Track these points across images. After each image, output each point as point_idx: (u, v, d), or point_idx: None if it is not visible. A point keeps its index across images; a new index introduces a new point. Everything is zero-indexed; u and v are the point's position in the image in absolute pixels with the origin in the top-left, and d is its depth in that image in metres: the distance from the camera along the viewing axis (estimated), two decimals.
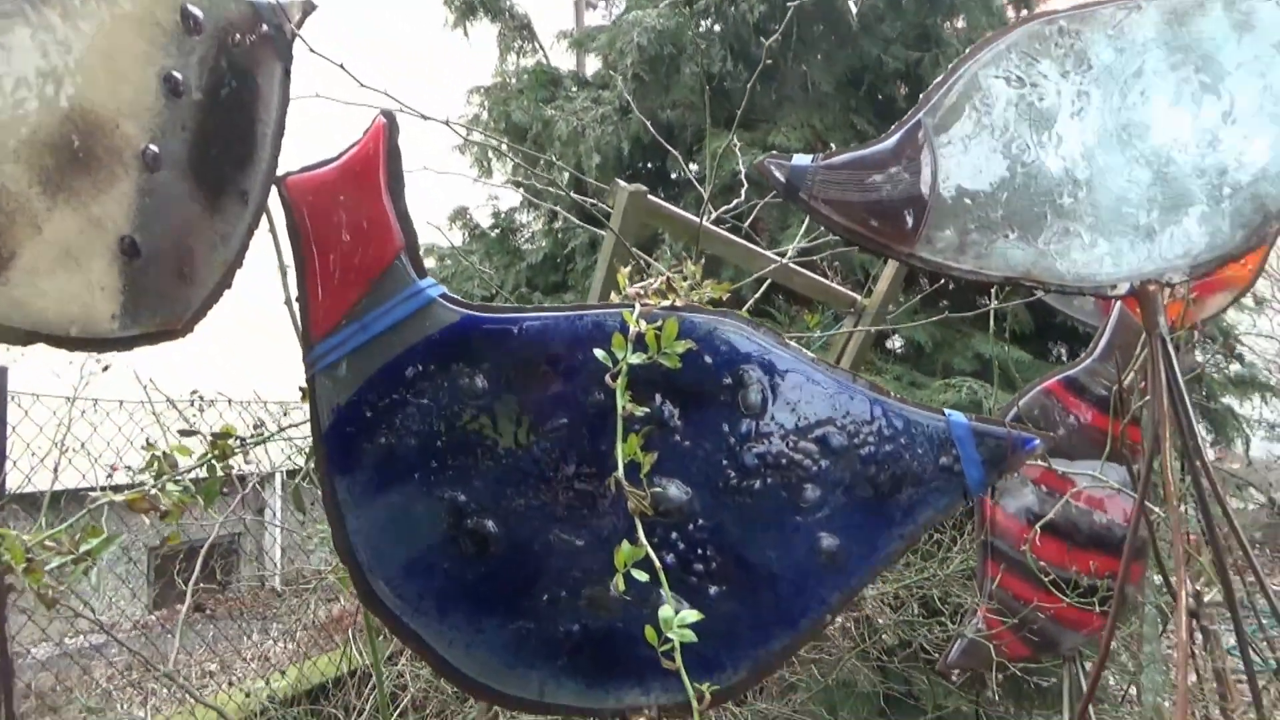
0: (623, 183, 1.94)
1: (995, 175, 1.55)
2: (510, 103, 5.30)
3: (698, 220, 2.07)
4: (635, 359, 1.27)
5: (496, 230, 5.87)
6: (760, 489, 1.37)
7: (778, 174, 1.59)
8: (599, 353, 1.28)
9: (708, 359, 1.37)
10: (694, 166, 3.87)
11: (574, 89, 5.24)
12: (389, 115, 1.42)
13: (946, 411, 1.40)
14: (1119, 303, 2.55)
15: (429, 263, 5.66)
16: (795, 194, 1.58)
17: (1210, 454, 4.81)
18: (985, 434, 1.39)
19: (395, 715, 3.08)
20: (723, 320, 1.39)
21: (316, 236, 1.38)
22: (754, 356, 1.38)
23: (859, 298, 2.54)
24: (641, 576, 1.19)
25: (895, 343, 4.12)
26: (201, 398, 4.08)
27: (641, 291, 1.38)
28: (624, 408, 1.23)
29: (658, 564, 1.17)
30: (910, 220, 1.56)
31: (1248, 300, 6.37)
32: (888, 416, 1.39)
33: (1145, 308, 1.54)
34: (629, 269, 1.50)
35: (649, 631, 1.11)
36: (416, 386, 1.35)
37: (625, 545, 1.16)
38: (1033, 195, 1.54)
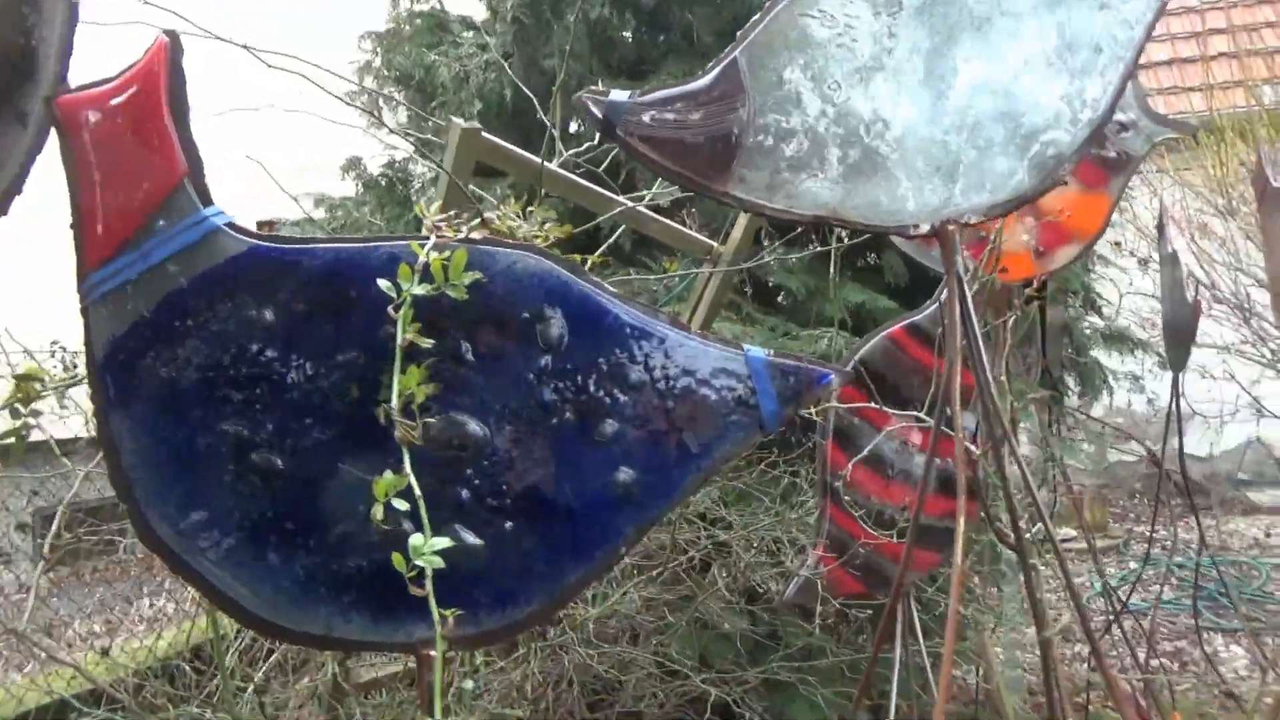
0: (458, 120, 1.89)
1: (807, 113, 1.56)
2: (400, 49, 5.14)
3: (539, 161, 2.03)
4: (420, 290, 1.25)
5: (386, 180, 5.72)
6: (557, 423, 1.37)
7: (595, 110, 1.57)
8: (383, 283, 1.25)
9: (507, 293, 1.36)
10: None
11: (463, 34, 5.11)
12: (172, 34, 1.35)
13: (744, 347, 1.42)
14: (960, 254, 2.62)
15: (318, 214, 5.49)
16: (612, 131, 1.57)
17: (1075, 402, 5.02)
18: (781, 369, 1.41)
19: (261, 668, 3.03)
20: (524, 255, 1.38)
21: (93, 159, 1.31)
22: (555, 292, 1.37)
23: (715, 244, 2.56)
24: (401, 507, 1.18)
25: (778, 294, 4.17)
26: (64, 349, 3.89)
27: (442, 225, 1.35)
28: (404, 339, 1.21)
29: (418, 494, 1.16)
30: (723, 158, 1.56)
31: (1124, 258, 6.61)
32: (687, 351, 1.40)
33: (944, 247, 1.58)
34: (435, 206, 1.47)
35: (396, 559, 1.11)
36: (199, 318, 1.31)
37: (387, 475, 1.14)
38: (842, 134, 1.56)
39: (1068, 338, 5.09)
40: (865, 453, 2.14)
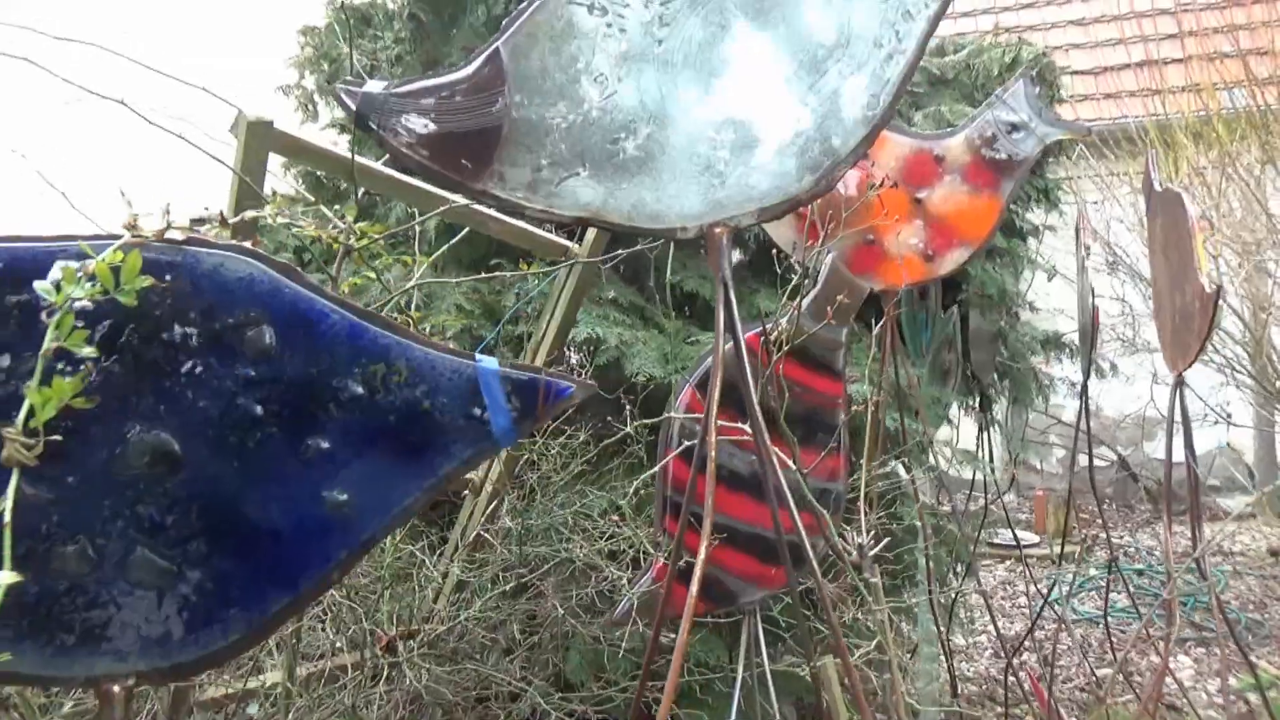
0: (246, 112, 1.79)
1: (570, 108, 1.47)
2: (329, 43, 5.04)
3: (350, 157, 1.93)
4: (82, 294, 1.14)
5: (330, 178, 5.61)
6: (262, 439, 1.27)
7: (349, 101, 1.47)
8: (40, 285, 1.15)
9: (212, 297, 1.26)
10: None
11: (385, 29, 5.01)
12: None
13: (477, 356, 1.32)
14: (831, 253, 2.52)
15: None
16: (366, 124, 1.47)
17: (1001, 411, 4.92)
18: (515, 381, 1.31)
19: None
20: (232, 256, 1.28)
21: None
22: (265, 296, 1.27)
23: (571, 245, 2.46)
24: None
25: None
26: None
27: (135, 221, 1.25)
28: (50, 348, 1.11)
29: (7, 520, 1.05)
30: (482, 154, 1.46)
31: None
32: (411, 361, 1.30)
33: (711, 251, 1.48)
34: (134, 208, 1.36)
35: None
36: None
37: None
38: (607, 130, 1.46)
39: (1002, 343, 5.00)
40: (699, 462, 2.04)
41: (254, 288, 1.27)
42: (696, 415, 2.23)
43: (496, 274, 2.36)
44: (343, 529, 1.28)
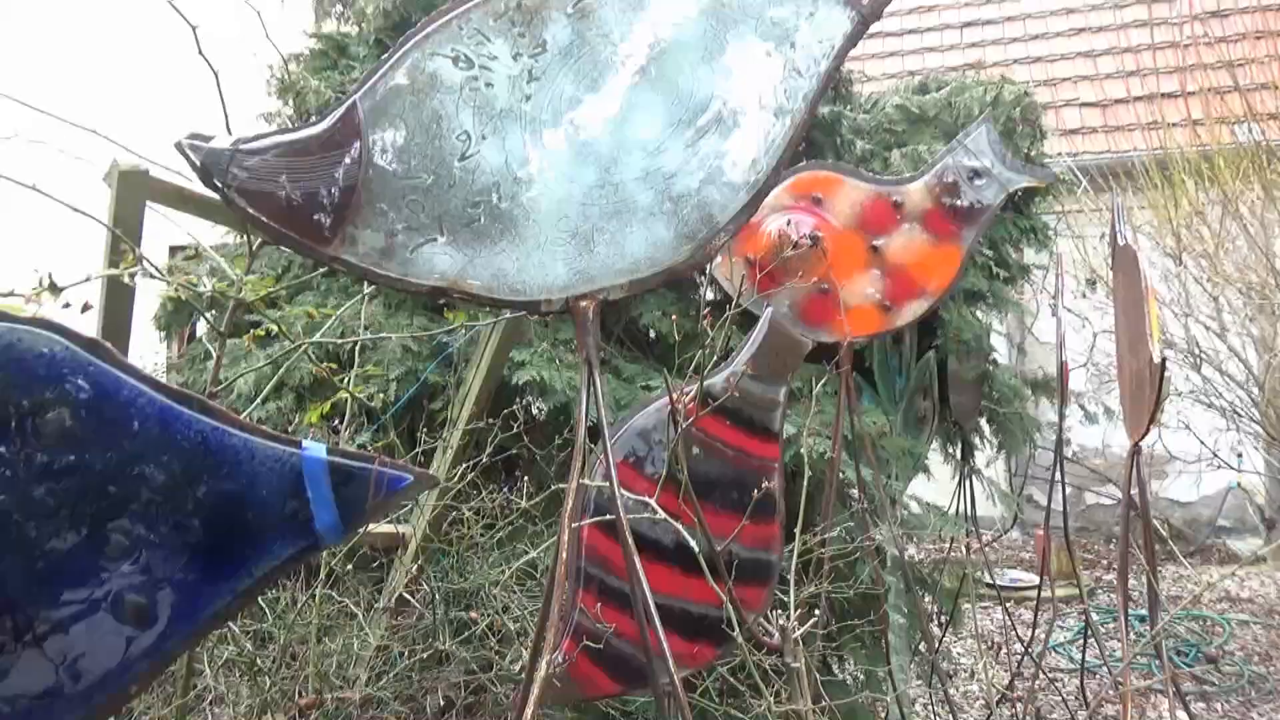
0: (120, 160, 1.69)
1: (430, 168, 1.35)
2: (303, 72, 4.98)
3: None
4: None
5: None
6: (57, 532, 1.15)
7: (193, 157, 1.36)
8: None
9: (4, 376, 1.15)
10: None
11: (366, 59, 4.94)
12: None
13: (303, 444, 1.20)
14: (769, 306, 2.39)
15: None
16: (212, 181, 1.36)
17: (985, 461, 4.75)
18: (345, 472, 1.19)
19: None
20: (30, 331, 1.17)
21: None
22: (64, 375, 1.16)
23: None
24: None
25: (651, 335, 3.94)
26: None
27: None
28: None
29: None
30: (333, 217, 1.35)
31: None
32: (228, 449, 1.18)
33: (578, 327, 1.36)
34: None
35: None
36: None
37: None
38: (468, 192, 1.35)
39: (987, 387, 4.84)
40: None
41: (54, 365, 1.16)
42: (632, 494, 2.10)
43: (420, 333, 2.24)
44: (144, 635, 1.15)
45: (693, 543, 1.99)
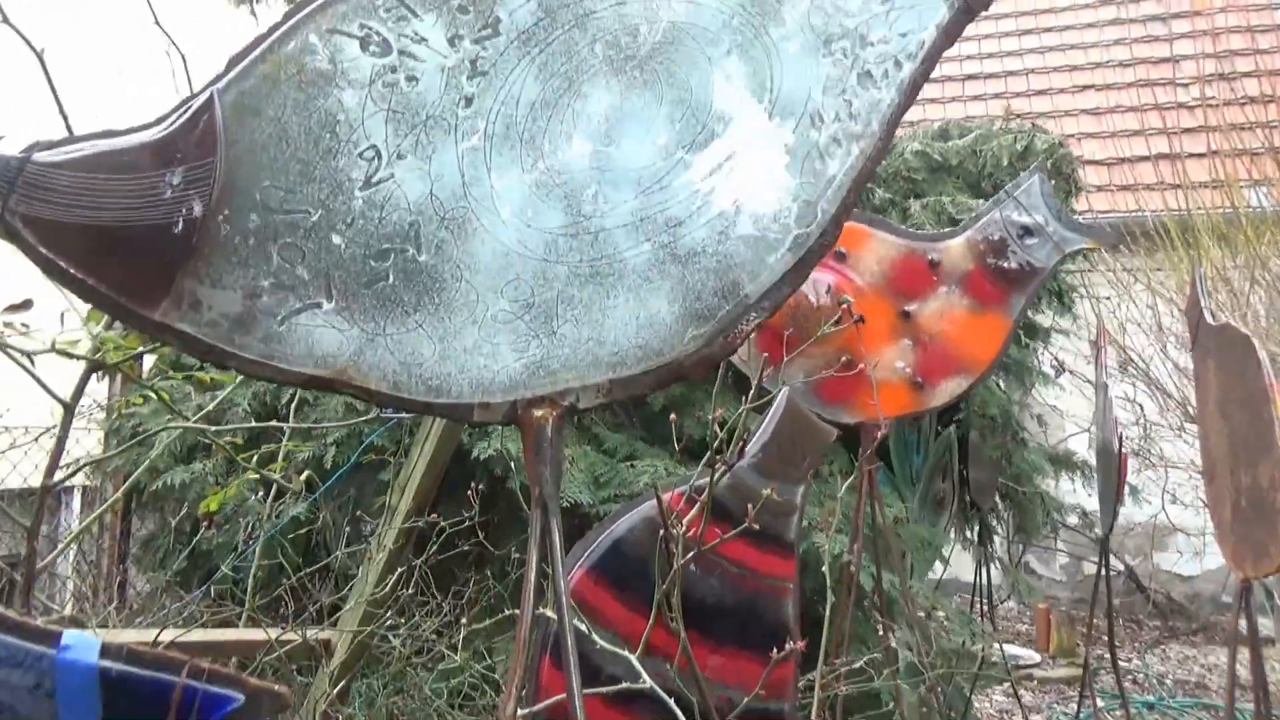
0: None
1: (316, 199, 0.90)
2: None
3: None
4: None
5: None
6: None
7: None
8: None
9: None
10: None
11: None
12: None
13: (63, 640, 0.74)
14: (785, 387, 1.94)
15: None
16: None
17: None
18: (124, 682, 0.72)
19: None
20: None
21: None
22: None
23: None
24: None
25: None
26: None
27: None
28: None
29: None
30: (163, 264, 0.90)
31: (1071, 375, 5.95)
32: None
33: (525, 444, 0.90)
34: None
35: None
36: None
37: None
38: (372, 238, 0.90)
39: (1005, 462, 4.39)
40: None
41: None
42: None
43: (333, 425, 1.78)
44: None
45: (674, 706, 1.52)
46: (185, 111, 0.92)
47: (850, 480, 2.42)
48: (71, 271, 0.90)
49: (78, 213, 0.90)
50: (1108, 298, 6.97)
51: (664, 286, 0.88)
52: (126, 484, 2.92)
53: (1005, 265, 2.35)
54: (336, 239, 0.89)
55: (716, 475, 1.39)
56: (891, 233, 2.39)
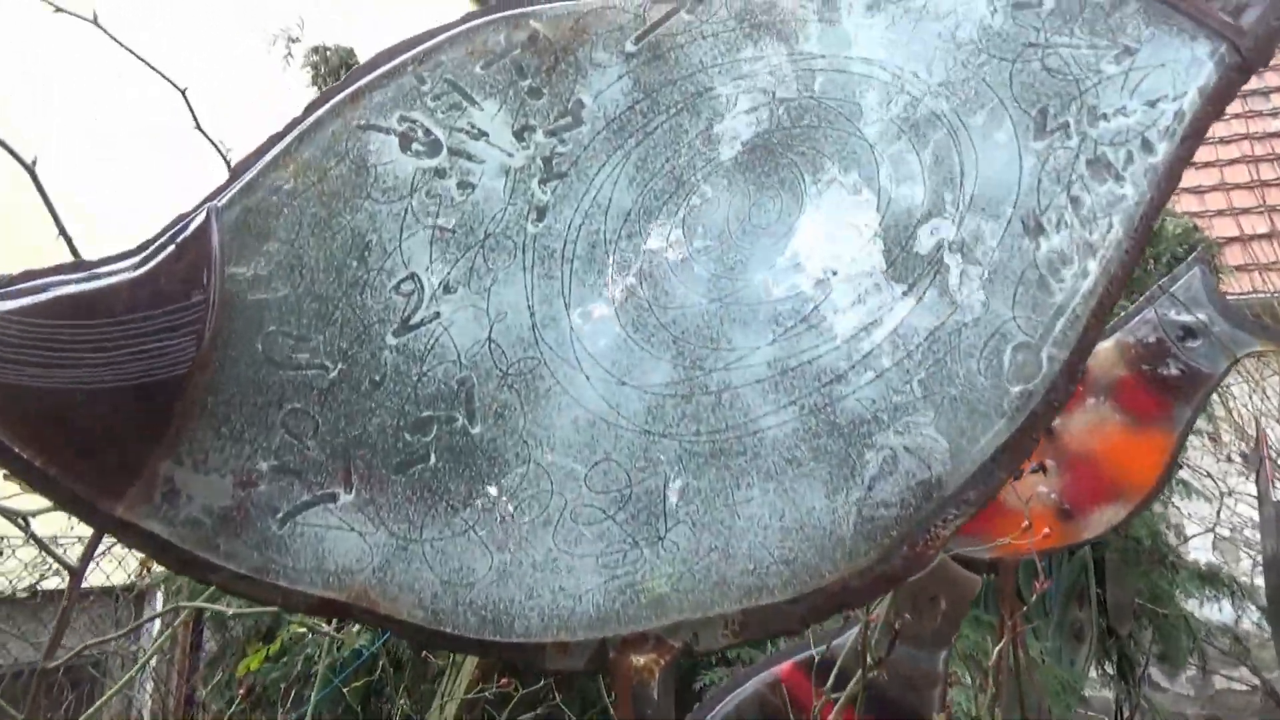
0: None
1: (336, 349, 0.66)
2: None
3: None
4: None
5: None
6: None
7: None
8: None
9: None
10: None
11: None
12: None
13: None
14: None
15: None
16: None
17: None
18: None
19: None
20: None
21: None
22: None
23: None
24: None
25: None
26: None
27: None
28: None
29: None
30: (132, 441, 0.66)
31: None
32: None
33: (621, 695, 0.61)
34: None
35: None
36: None
37: None
38: (409, 401, 0.65)
39: (1144, 583, 3.89)
40: None
41: None
42: None
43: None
44: None
45: None
46: (174, 237, 0.70)
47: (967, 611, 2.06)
48: (13, 450, 0.67)
49: (27, 372, 0.67)
50: (1230, 385, 6.41)
51: (819, 472, 0.60)
52: (183, 613, 2.72)
53: (1165, 372, 2.01)
54: (360, 403, 0.64)
55: (855, 681, 1.08)
56: None
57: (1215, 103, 0.63)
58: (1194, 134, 0.63)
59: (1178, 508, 4.49)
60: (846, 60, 0.68)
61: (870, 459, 0.60)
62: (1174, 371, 2.00)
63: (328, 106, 0.72)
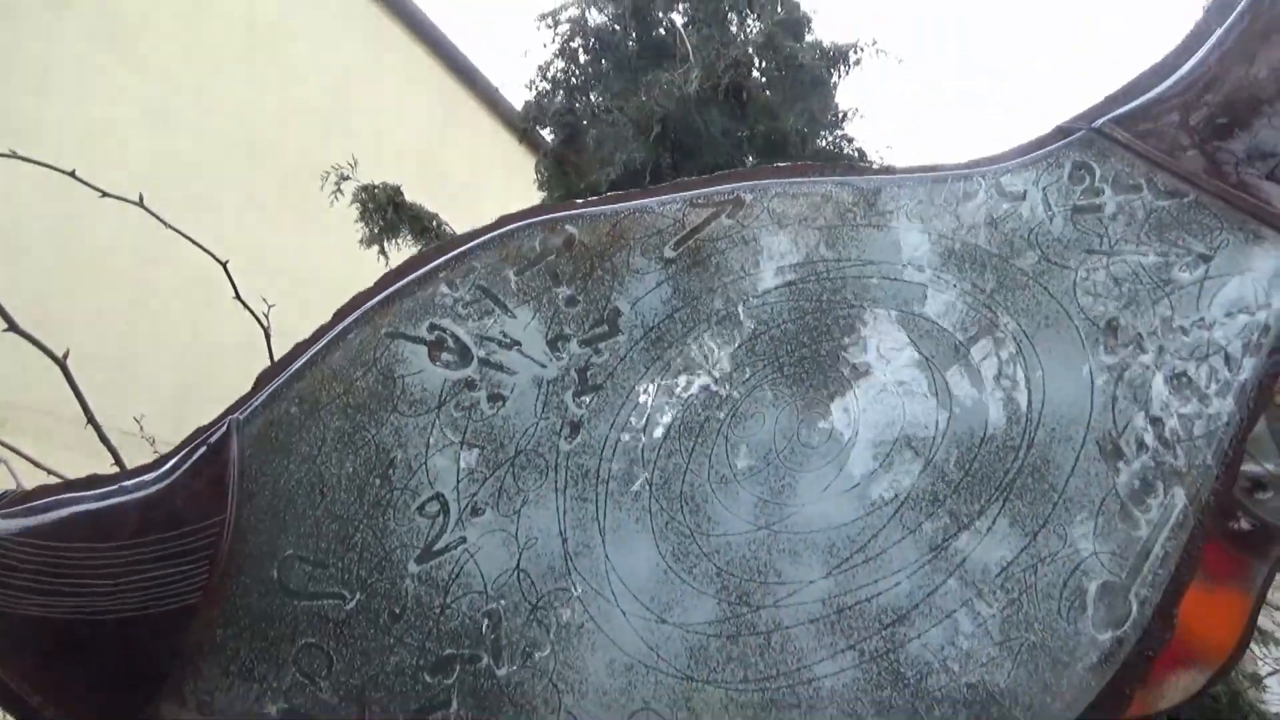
0: None
1: (354, 579, 0.62)
2: None
3: None
4: None
5: None
6: None
7: None
8: None
9: None
10: None
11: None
12: None
13: None
14: None
15: None
16: None
17: None
18: None
19: None
20: None
21: None
22: None
23: None
24: None
25: None
26: None
27: None
28: None
29: None
30: (136, 678, 0.62)
31: None
32: None
33: None
34: None
35: None
36: None
37: None
38: (430, 637, 0.60)
39: None
40: None
41: None
42: None
43: None
44: None
45: None
46: (191, 451, 0.67)
47: None
48: (10, 687, 0.62)
49: (31, 601, 0.64)
50: None
51: None
52: None
53: (1236, 527, 1.89)
54: (379, 638, 0.59)
55: None
56: None
57: None
58: (1278, 347, 0.58)
59: (1256, 653, 4.20)
60: (900, 269, 0.65)
61: (940, 715, 0.53)
62: (1245, 526, 1.88)
63: (357, 314, 0.70)
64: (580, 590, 0.59)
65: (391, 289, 0.70)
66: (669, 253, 0.68)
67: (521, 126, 3.33)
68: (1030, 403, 0.59)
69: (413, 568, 0.61)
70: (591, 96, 3.31)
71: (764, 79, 3.68)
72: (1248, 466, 2.01)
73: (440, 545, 0.62)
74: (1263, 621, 4.28)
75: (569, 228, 0.70)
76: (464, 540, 0.62)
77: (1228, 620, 1.99)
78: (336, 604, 0.61)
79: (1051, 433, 0.58)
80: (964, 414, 0.59)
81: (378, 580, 0.61)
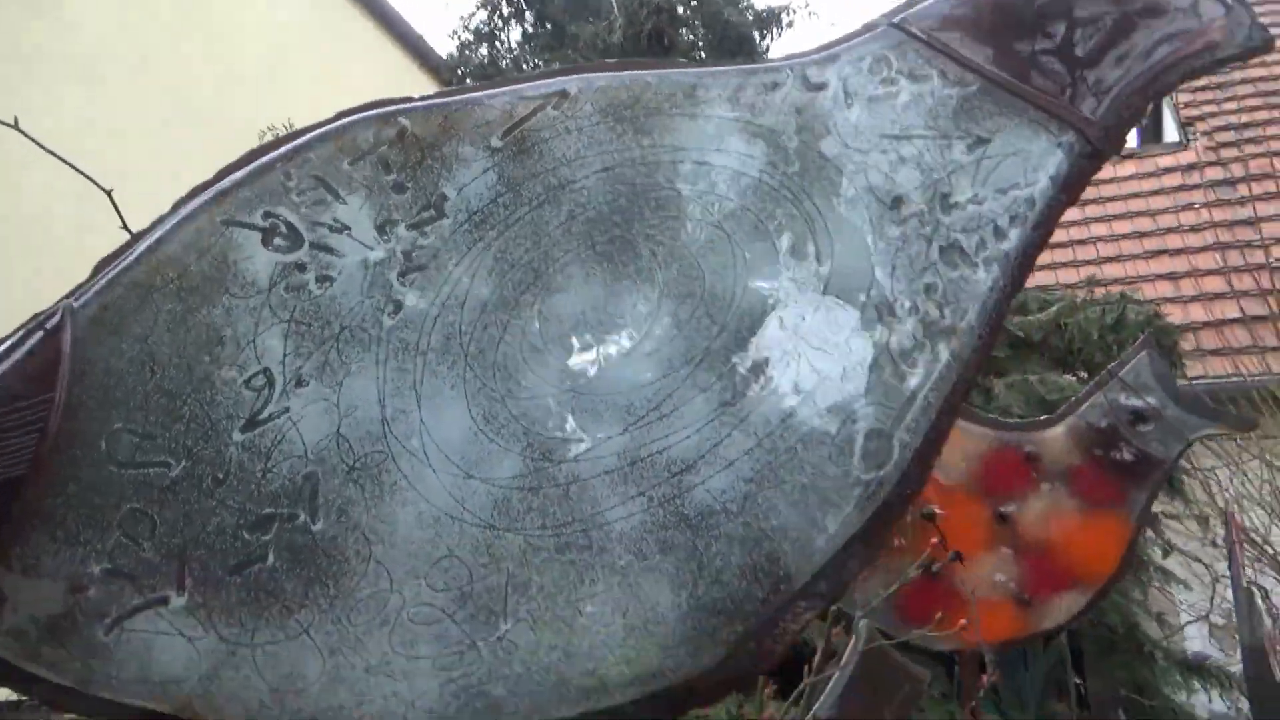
0: None
1: (180, 446, 0.65)
2: None
3: None
4: None
5: None
6: None
7: None
8: None
9: None
10: None
11: None
12: None
13: None
14: (862, 618, 1.57)
15: None
16: None
17: None
18: None
19: None
20: None
21: None
22: None
23: None
24: None
25: None
26: None
27: None
28: None
29: None
30: None
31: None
32: None
33: None
34: None
35: None
36: None
37: None
38: (250, 499, 0.63)
39: (1125, 674, 3.79)
40: None
41: None
42: None
43: None
44: None
45: None
46: (28, 339, 0.69)
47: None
48: None
49: None
50: (1212, 468, 6.36)
51: (665, 566, 0.58)
52: None
53: (1118, 457, 1.99)
54: (199, 503, 0.62)
55: None
56: (977, 422, 2.06)
57: (1067, 190, 0.64)
58: (1046, 220, 0.63)
59: (1168, 595, 4.40)
60: (710, 154, 0.69)
61: (717, 551, 0.58)
62: (1127, 456, 1.98)
63: (196, 203, 0.72)
64: (395, 451, 0.63)
65: (229, 180, 0.72)
66: (495, 142, 0.71)
67: (446, 79, 3.30)
68: (819, 271, 0.63)
69: (237, 436, 0.64)
70: (513, 46, 3.31)
71: (691, 36, 3.71)
72: (1130, 401, 2.11)
73: (264, 415, 0.65)
74: (1181, 571, 4.48)
75: (402, 120, 0.72)
76: (287, 410, 0.64)
77: (1108, 544, 2.10)
78: (162, 471, 0.64)
79: (835, 298, 0.63)
80: (755, 285, 0.64)
81: (203, 448, 0.64)
